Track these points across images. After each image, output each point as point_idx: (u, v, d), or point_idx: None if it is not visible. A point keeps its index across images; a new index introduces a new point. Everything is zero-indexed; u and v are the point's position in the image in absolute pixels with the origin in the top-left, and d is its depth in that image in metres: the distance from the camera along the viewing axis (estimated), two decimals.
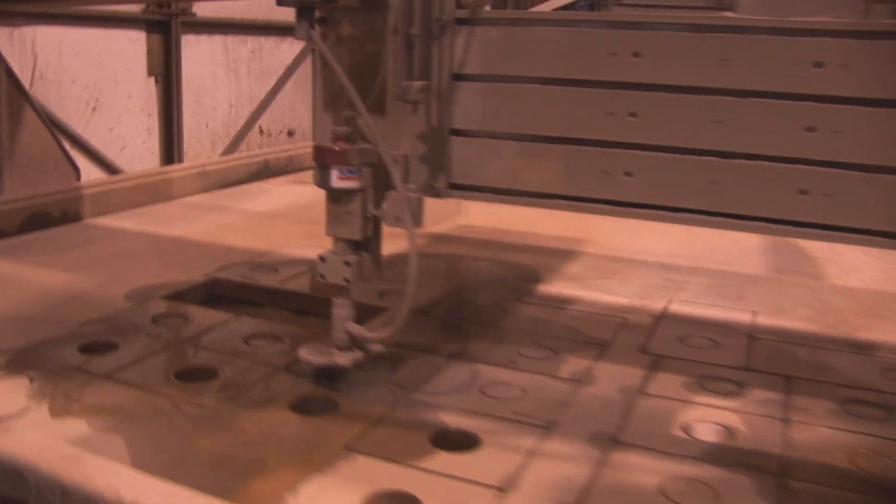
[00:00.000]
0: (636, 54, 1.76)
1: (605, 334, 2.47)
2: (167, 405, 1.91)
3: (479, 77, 1.90)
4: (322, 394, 2.00)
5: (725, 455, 1.77)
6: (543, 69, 1.84)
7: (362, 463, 1.68)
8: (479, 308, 2.71)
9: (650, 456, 1.76)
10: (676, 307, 2.74)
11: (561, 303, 2.76)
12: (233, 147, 7.19)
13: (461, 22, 1.88)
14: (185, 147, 6.60)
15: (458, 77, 1.91)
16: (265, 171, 4.87)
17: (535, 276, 3.09)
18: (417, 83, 1.84)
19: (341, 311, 2.02)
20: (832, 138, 1.64)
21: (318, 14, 1.93)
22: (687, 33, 1.72)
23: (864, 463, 1.76)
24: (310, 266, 3.03)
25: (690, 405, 2.01)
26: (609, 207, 1.86)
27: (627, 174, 1.82)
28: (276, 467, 1.66)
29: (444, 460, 1.70)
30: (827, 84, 1.62)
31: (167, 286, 2.74)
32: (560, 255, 3.39)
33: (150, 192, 4.11)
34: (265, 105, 7.46)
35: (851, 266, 3.33)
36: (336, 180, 1.88)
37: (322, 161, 1.88)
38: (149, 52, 6.36)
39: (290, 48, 7.48)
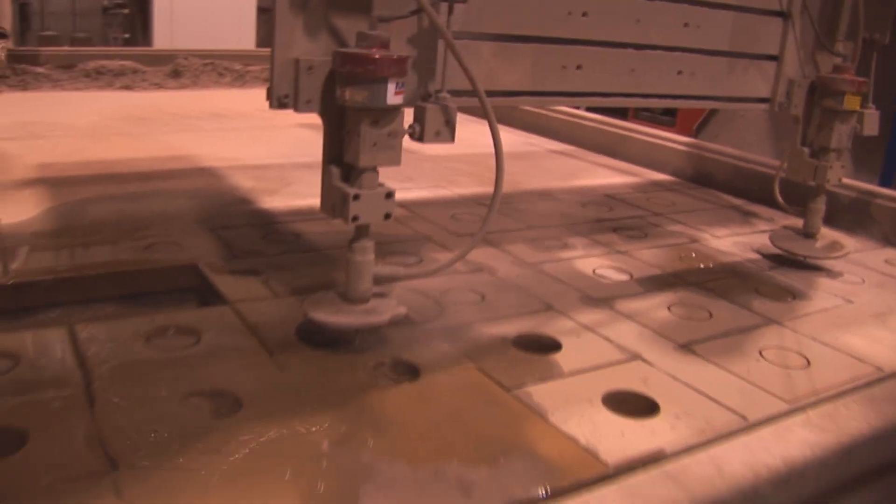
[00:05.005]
0: None
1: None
2: None
3: None
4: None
5: (656, 282, 2.27)
6: None
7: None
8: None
9: (629, 300, 2.13)
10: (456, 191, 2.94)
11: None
12: None
13: None
14: None
15: None
16: None
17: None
18: None
19: (367, 256, 1.68)
20: (697, 32, 2.20)
21: None
22: None
23: (683, 258, 2.49)
24: None
25: (567, 261, 2.39)
26: (566, 99, 2.03)
27: (579, 67, 2.02)
28: None
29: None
30: None
31: None
32: (234, 175, 3.09)
33: None
34: None
35: None
36: (392, 96, 1.54)
37: (380, 73, 1.50)
38: None
39: None
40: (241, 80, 5.47)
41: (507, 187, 3.22)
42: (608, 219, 2.91)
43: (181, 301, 2.08)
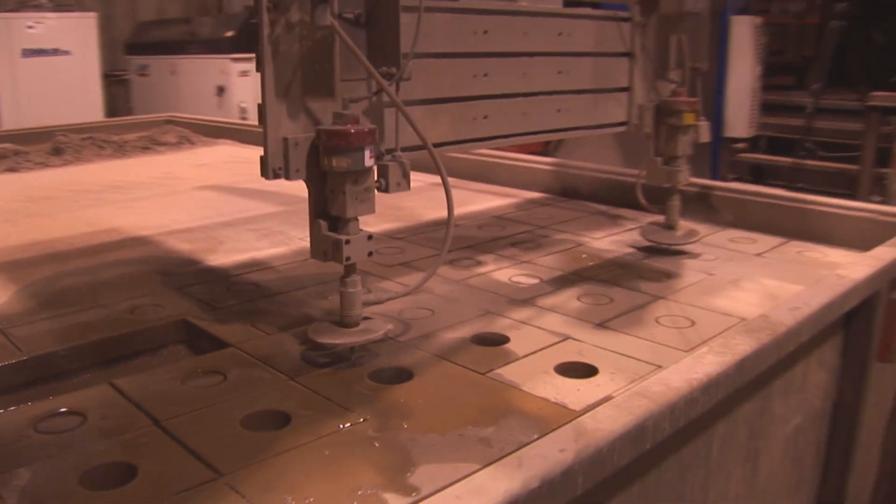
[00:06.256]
0: (485, 32, 2.45)
1: None
2: None
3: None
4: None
5: (562, 281, 2.79)
6: (439, 46, 2.32)
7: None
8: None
9: (546, 297, 2.64)
10: None
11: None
12: None
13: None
14: None
15: None
16: None
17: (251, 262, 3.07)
18: (411, 62, 2.07)
19: (357, 288, 2.09)
20: (568, 77, 2.76)
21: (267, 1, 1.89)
22: (506, 16, 2.51)
23: (576, 259, 3.03)
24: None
25: (486, 275, 2.88)
26: (479, 143, 2.52)
27: (485, 117, 2.52)
28: None
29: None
30: (565, 45, 2.72)
31: None
32: (168, 240, 3.36)
33: None
34: None
35: None
36: (368, 160, 1.97)
37: (358, 143, 1.93)
38: None
39: None
40: (121, 150, 5.63)
41: (409, 221, 3.73)
42: (504, 236, 3.43)
43: (174, 353, 2.39)
